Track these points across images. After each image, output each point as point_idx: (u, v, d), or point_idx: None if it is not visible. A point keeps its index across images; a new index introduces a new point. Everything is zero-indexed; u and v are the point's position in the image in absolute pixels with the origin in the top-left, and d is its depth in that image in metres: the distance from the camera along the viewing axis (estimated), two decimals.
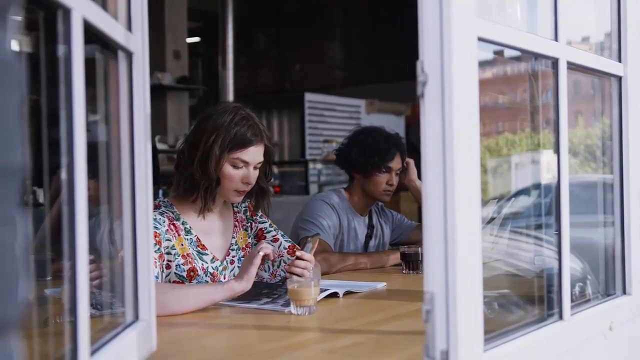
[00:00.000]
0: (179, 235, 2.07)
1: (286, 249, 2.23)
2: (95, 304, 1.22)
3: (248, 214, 2.28)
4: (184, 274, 2.04)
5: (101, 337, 1.13)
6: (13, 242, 0.51)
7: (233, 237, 2.21)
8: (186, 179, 2.07)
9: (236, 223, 2.24)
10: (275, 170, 7.55)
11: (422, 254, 2.53)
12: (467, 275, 1.10)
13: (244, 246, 2.24)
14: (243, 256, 2.21)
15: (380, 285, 2.24)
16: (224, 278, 2.13)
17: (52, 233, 1.23)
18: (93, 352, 1.03)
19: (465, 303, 1.09)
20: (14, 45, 0.54)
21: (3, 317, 0.50)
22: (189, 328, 1.72)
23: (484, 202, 1.18)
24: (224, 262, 2.16)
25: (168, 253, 2.02)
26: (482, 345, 1.15)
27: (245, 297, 1.98)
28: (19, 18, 0.57)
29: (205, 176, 2.04)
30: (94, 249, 1.08)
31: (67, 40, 0.93)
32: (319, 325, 1.70)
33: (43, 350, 1.07)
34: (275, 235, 2.26)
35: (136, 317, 1.29)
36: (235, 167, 2.06)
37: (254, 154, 2.07)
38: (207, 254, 2.11)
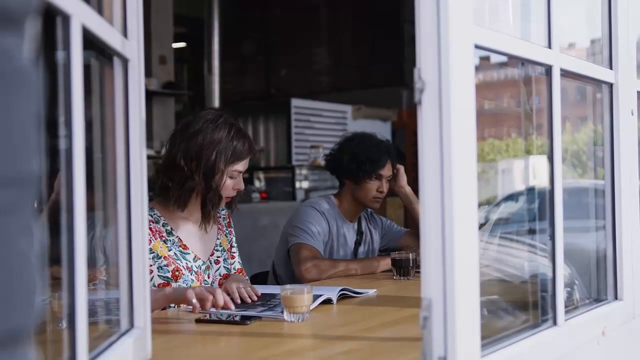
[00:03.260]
0: (160, 237, 2.12)
1: (236, 270, 2.35)
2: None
3: (225, 222, 2.37)
4: (169, 274, 2.09)
5: (97, 345, 1.12)
6: (30, 251, 0.50)
7: (218, 239, 2.29)
8: (187, 191, 2.12)
9: (219, 226, 2.33)
10: (262, 176, 7.54)
11: (412, 260, 2.53)
12: (465, 281, 1.11)
13: (226, 249, 2.33)
14: (227, 258, 2.30)
15: (372, 292, 2.24)
16: (208, 277, 2.21)
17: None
18: None
19: (463, 309, 1.09)
20: (31, 54, 0.54)
21: (21, 326, 0.50)
22: (183, 336, 1.72)
23: None
24: (207, 262, 2.22)
25: None
26: (480, 351, 1.15)
27: (242, 306, 1.97)
28: (35, 27, 0.56)
29: (211, 190, 2.12)
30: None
31: (66, 47, 0.92)
32: (312, 332, 1.70)
33: (39, 358, 1.05)
34: (234, 253, 2.38)
35: (131, 324, 1.28)
36: (231, 177, 2.17)
37: (247, 163, 2.21)
38: (189, 253, 2.17)
